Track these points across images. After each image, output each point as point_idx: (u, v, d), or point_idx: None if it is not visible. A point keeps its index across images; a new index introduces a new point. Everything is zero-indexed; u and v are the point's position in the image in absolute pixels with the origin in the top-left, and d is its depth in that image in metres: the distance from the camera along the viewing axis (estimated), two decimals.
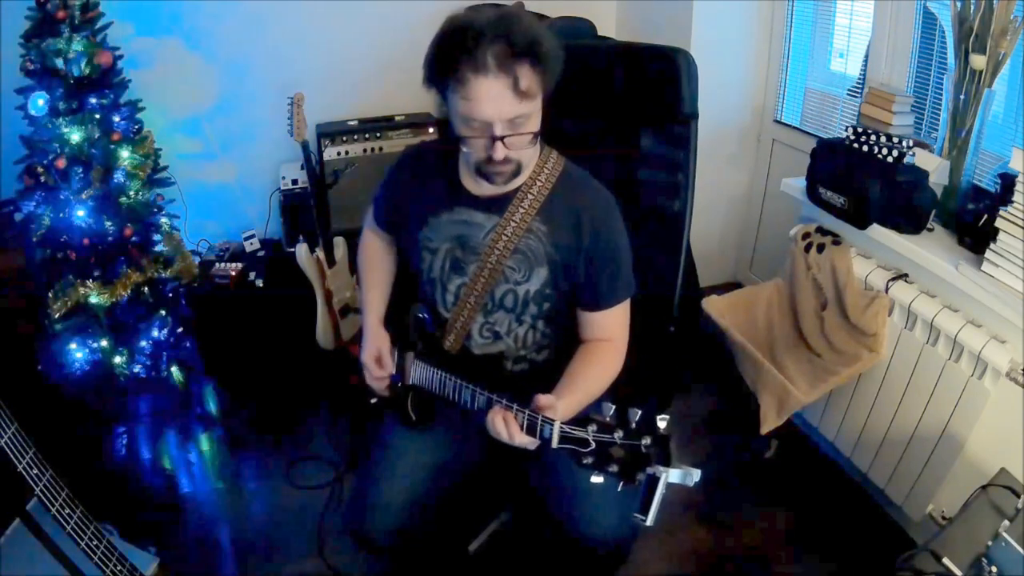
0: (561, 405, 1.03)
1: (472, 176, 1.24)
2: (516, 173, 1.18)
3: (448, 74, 1.07)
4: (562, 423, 0.97)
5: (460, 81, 1.06)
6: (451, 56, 1.06)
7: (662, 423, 0.88)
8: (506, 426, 1.05)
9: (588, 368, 1.21)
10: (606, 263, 1.23)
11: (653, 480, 0.86)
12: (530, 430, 1.02)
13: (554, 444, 0.97)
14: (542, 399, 1.04)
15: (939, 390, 1.63)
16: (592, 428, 0.92)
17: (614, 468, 0.90)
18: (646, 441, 0.88)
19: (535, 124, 1.13)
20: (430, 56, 1.10)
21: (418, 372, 1.30)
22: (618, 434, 0.90)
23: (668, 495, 0.87)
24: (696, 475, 0.87)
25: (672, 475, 0.86)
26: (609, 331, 1.26)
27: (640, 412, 0.90)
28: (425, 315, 1.33)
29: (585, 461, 0.93)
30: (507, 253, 1.22)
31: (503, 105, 1.06)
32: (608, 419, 0.92)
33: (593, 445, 0.92)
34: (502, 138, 1.09)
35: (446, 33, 1.08)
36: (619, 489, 0.91)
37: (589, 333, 1.27)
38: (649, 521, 0.87)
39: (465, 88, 1.06)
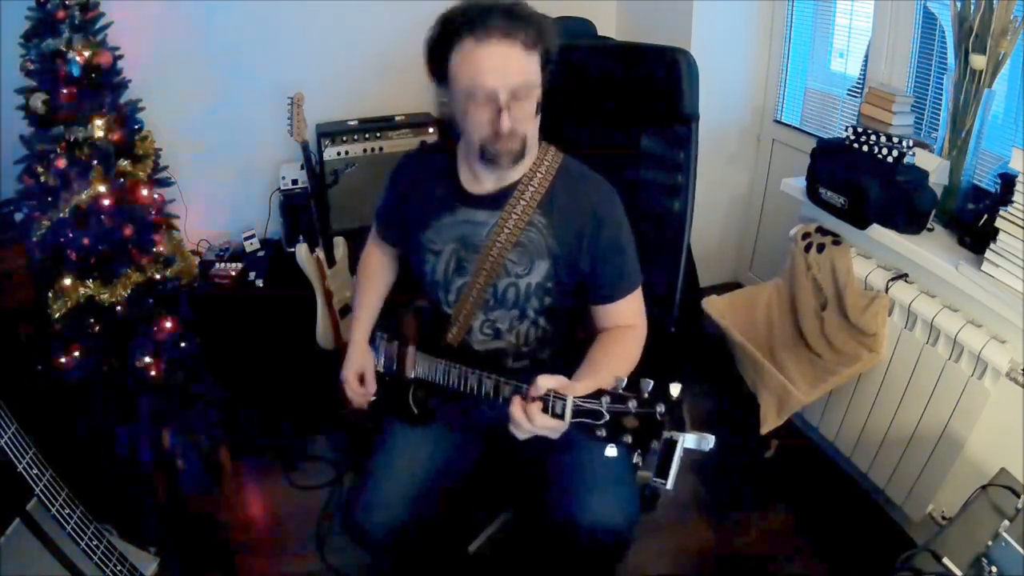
0: (582, 386, 1.00)
1: (472, 173, 1.25)
2: (520, 155, 1.18)
3: (453, 46, 1.10)
4: (575, 397, 0.96)
5: (464, 53, 1.09)
6: (456, 29, 1.09)
7: (675, 389, 0.88)
8: (524, 412, 1.01)
9: (608, 351, 1.20)
10: (611, 254, 1.23)
11: (670, 445, 0.86)
12: (542, 409, 1.00)
13: (567, 418, 0.96)
14: (546, 379, 1.01)
15: (939, 390, 1.63)
16: (605, 399, 0.92)
17: (628, 438, 0.90)
18: (660, 407, 0.88)
19: (538, 95, 1.14)
20: (435, 32, 1.13)
21: (420, 365, 1.30)
22: (631, 403, 0.90)
23: (670, 491, 0.88)
24: (711, 440, 0.87)
25: (688, 439, 0.86)
26: (626, 319, 1.26)
27: (652, 382, 0.89)
28: (427, 308, 1.34)
29: (599, 433, 0.92)
30: (508, 247, 1.23)
31: (508, 70, 1.09)
32: (621, 390, 0.92)
33: (607, 416, 0.91)
34: (507, 107, 1.10)
35: (451, 11, 1.12)
36: (635, 459, 0.90)
37: (606, 325, 1.27)
38: (669, 484, 0.87)
39: (470, 57, 1.09)
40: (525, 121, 1.14)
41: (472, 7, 1.10)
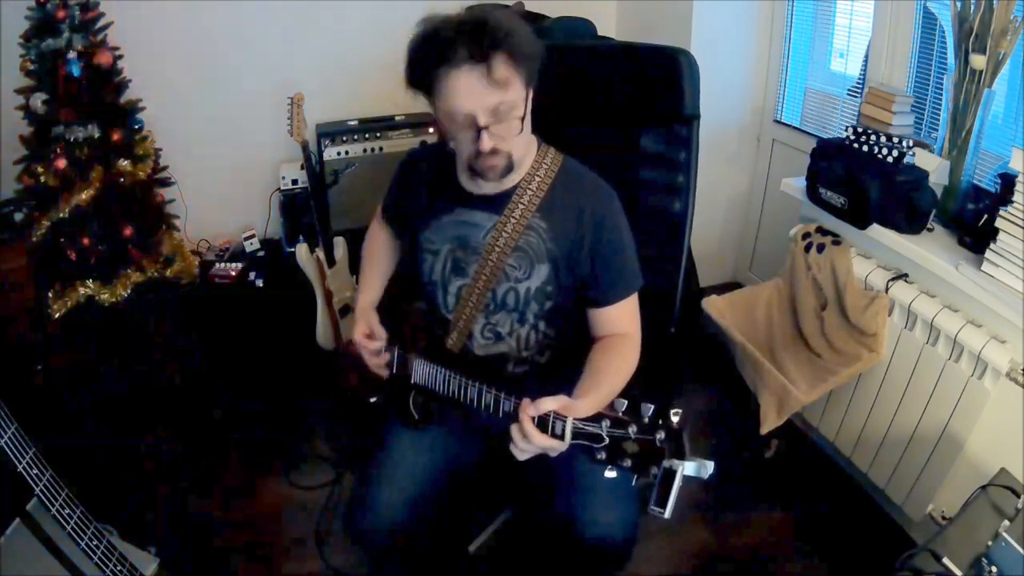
0: (584, 404, 1.00)
1: (469, 176, 1.25)
2: (508, 168, 1.18)
3: (427, 75, 1.10)
4: (575, 419, 0.96)
5: (438, 79, 1.09)
6: (426, 57, 1.09)
7: (675, 416, 0.88)
8: (523, 432, 1.00)
9: (608, 363, 1.19)
10: (611, 257, 1.23)
11: (669, 473, 0.86)
12: (542, 428, 1.00)
13: (567, 440, 0.96)
14: (548, 400, 1.01)
15: (939, 390, 1.63)
16: (605, 423, 0.92)
17: (628, 463, 0.90)
18: (660, 435, 0.87)
19: (519, 112, 1.13)
20: (408, 61, 1.13)
21: (421, 371, 1.30)
22: (632, 428, 0.89)
23: (669, 520, 0.88)
24: (710, 467, 0.87)
25: (688, 467, 0.86)
26: (621, 325, 1.26)
27: (652, 407, 0.89)
28: (427, 313, 1.33)
29: (599, 456, 0.92)
30: (507, 251, 1.23)
31: (481, 95, 1.08)
32: (621, 414, 0.91)
33: (607, 440, 0.91)
34: (487, 127, 1.10)
35: (420, 36, 1.11)
36: (633, 483, 0.90)
37: (601, 330, 1.26)
38: (667, 514, 0.86)
39: (443, 84, 1.09)
40: (508, 138, 1.14)
41: (438, 33, 1.08)
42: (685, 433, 0.87)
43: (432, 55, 1.08)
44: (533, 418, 0.99)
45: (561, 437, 0.97)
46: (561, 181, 1.24)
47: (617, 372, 1.18)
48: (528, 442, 1.00)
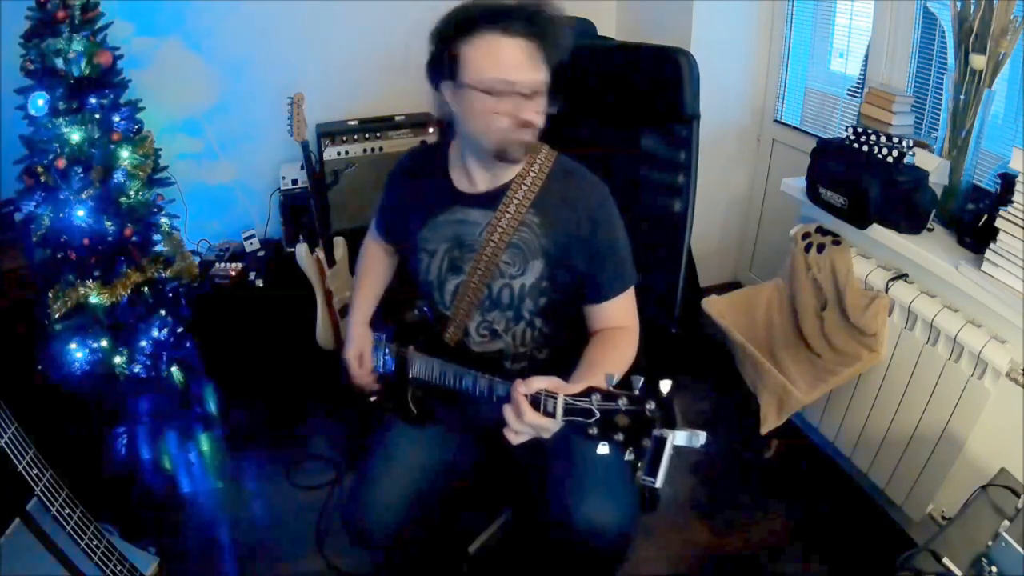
0: (576, 387, 0.98)
1: (466, 173, 1.26)
2: (529, 148, 1.19)
3: (471, 36, 1.10)
4: (565, 395, 0.96)
5: (488, 44, 1.10)
6: (476, 21, 1.10)
7: (665, 387, 0.88)
8: (515, 410, 1.00)
9: (604, 355, 1.20)
10: (607, 253, 1.23)
11: (660, 442, 0.86)
12: (533, 407, 1.00)
13: (558, 417, 0.96)
14: (539, 379, 1.01)
15: (939, 390, 1.63)
16: (596, 397, 0.92)
17: (620, 436, 0.89)
18: (650, 405, 0.87)
19: (544, 94, 1.16)
20: (449, 22, 1.13)
21: (418, 365, 1.31)
22: (622, 401, 0.89)
23: (669, 491, 0.87)
24: (702, 436, 0.86)
25: (678, 436, 0.86)
26: (619, 320, 1.26)
27: (642, 379, 0.89)
28: (425, 308, 1.34)
29: (591, 432, 0.92)
30: (502, 247, 1.23)
31: (530, 69, 1.11)
32: (611, 387, 0.92)
33: (598, 415, 0.91)
34: (531, 98, 1.12)
35: (469, 4, 1.12)
36: (626, 457, 0.90)
37: (599, 324, 1.27)
38: (659, 483, 0.86)
39: (494, 50, 1.10)
40: (542, 116, 1.16)
41: (494, 4, 1.10)
42: (675, 402, 0.87)
43: (487, 17, 1.09)
44: (526, 396, 0.99)
45: (552, 414, 0.97)
46: (555, 177, 1.25)
47: (612, 363, 1.18)
48: (521, 421, 0.99)
